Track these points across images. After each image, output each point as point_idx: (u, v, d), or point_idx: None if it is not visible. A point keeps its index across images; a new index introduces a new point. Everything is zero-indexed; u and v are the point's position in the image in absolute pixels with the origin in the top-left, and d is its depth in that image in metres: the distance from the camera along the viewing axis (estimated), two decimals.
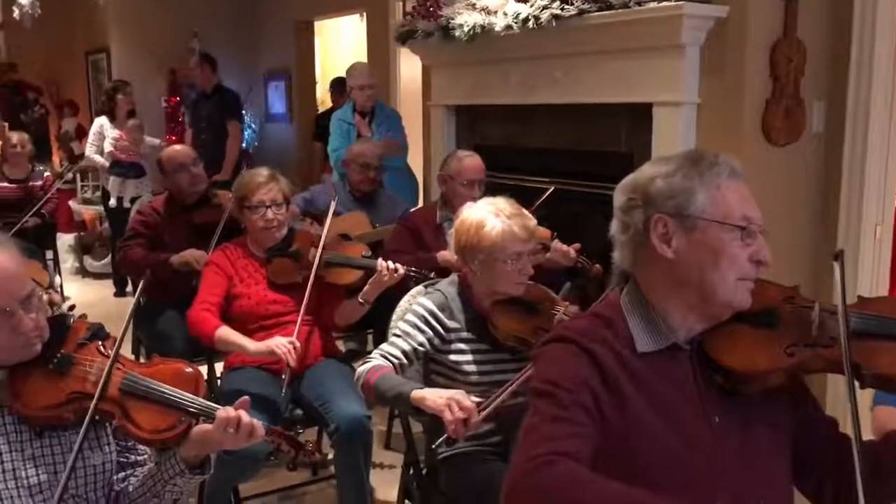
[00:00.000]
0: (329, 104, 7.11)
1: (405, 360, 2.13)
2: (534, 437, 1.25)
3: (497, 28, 3.63)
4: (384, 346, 2.18)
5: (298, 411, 2.72)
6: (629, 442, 1.28)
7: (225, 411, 1.61)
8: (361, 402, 2.59)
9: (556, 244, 2.94)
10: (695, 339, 1.37)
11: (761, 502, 1.32)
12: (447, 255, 3.33)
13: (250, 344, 2.64)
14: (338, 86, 6.74)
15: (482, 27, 3.71)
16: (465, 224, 2.20)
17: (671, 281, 1.34)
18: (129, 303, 5.36)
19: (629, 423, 1.28)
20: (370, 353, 2.21)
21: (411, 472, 2.30)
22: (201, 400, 1.65)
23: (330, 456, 2.72)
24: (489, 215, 2.16)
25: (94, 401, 1.53)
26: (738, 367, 1.33)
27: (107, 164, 6.04)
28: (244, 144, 7.82)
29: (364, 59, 6.40)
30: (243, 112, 6.64)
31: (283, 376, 2.58)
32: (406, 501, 2.37)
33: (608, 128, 3.57)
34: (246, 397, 1.68)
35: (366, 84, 4.83)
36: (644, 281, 1.39)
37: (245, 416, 1.62)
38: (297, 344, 2.59)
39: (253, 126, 8.00)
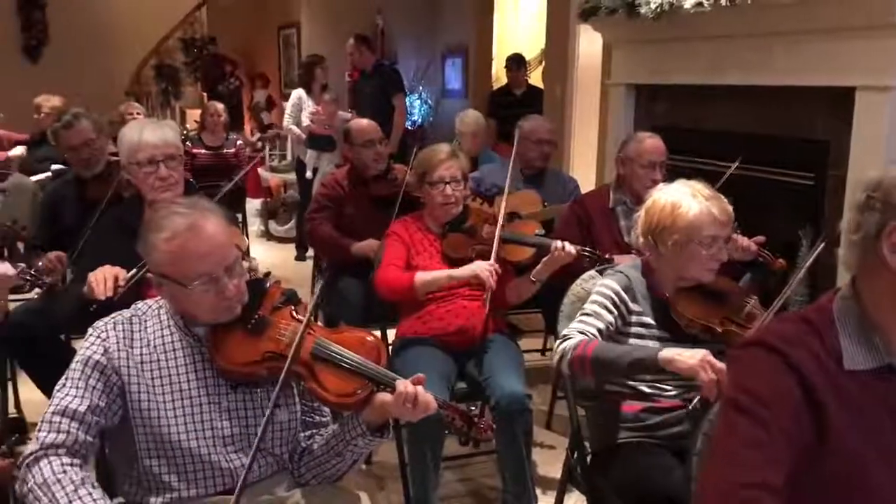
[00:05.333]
0: (504, 81, 7.13)
1: (600, 338, 2.08)
2: (733, 462, 1.18)
3: (686, 5, 3.50)
4: (576, 325, 2.13)
5: (463, 384, 2.77)
6: (826, 467, 1.19)
7: (403, 384, 1.67)
8: (523, 380, 2.61)
9: (737, 237, 2.69)
10: None
11: None
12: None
13: (454, 271, 2.73)
14: (514, 63, 6.74)
15: (670, 4, 3.59)
16: (657, 204, 2.12)
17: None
18: (309, 266, 5.60)
19: (829, 446, 1.19)
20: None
21: (575, 456, 2.29)
22: (383, 370, 1.71)
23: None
24: (685, 196, 2.08)
25: (289, 361, 1.63)
26: None
27: (303, 135, 6.33)
28: (419, 119, 8.00)
29: (542, 34, 6.35)
30: (404, 83, 6.73)
31: (486, 297, 2.67)
32: (569, 485, 2.36)
33: (802, 113, 3.36)
34: (422, 374, 1.73)
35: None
36: (865, 290, 1.27)
37: (421, 392, 1.68)
38: (498, 267, 2.67)
39: (429, 102, 8.16)
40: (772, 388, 1.21)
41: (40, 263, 2.90)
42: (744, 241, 2.72)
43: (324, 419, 1.87)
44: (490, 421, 1.85)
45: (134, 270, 2.26)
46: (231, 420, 1.69)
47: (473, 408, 1.84)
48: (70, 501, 1.50)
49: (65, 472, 1.54)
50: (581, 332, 2.08)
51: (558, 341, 2.13)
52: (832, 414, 1.19)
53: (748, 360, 1.27)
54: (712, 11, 3.41)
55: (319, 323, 2.96)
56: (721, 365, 1.79)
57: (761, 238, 2.77)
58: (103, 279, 2.21)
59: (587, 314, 2.14)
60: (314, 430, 1.84)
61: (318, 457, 1.78)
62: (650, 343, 2.11)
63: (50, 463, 1.54)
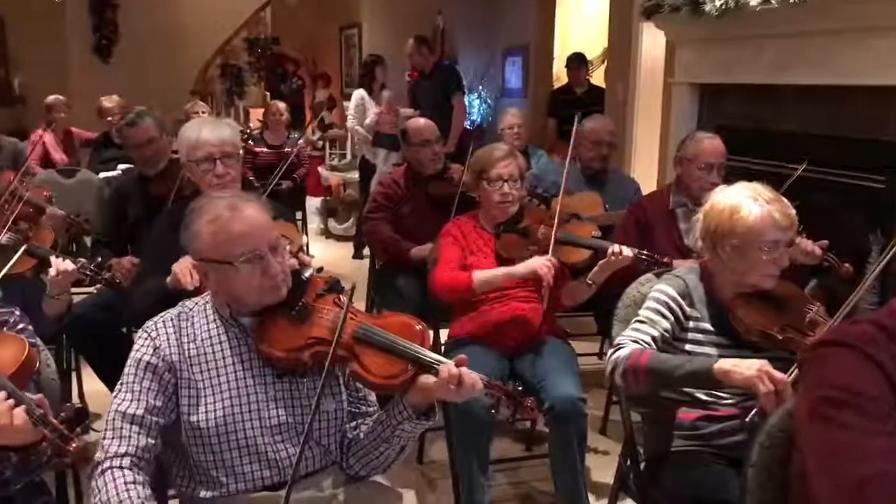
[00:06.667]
0: (565, 80, 7.06)
1: (654, 347, 2.03)
2: (858, 454, 1.11)
3: (752, 3, 3.41)
4: (629, 332, 2.09)
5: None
6: None
7: (447, 365, 1.66)
8: (578, 383, 2.58)
9: (801, 240, 2.62)
10: None
11: None
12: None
13: (514, 269, 2.72)
14: (575, 62, 6.67)
15: (736, 1, 3.50)
16: (716, 207, 2.06)
17: None
18: (366, 265, 5.65)
19: None
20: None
21: (629, 463, 2.24)
22: (427, 351, 1.71)
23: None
24: (746, 199, 2.01)
25: (334, 343, 1.64)
26: None
27: (369, 136, 6.36)
28: (478, 119, 7.98)
29: (604, 32, 6.27)
30: (463, 82, 6.70)
31: (543, 293, 2.66)
32: (621, 493, 2.32)
33: (872, 113, 3.24)
34: (464, 356, 1.72)
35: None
36: None
37: (466, 371, 1.67)
38: (556, 262, 2.65)
39: (489, 101, 8.13)
40: (862, 380, 1.15)
41: (112, 269, 2.96)
42: (808, 244, 2.64)
43: (370, 409, 1.88)
44: (535, 402, 1.83)
45: None
46: (278, 408, 1.71)
47: (520, 387, 1.82)
48: None
49: (128, 491, 1.57)
50: (634, 341, 2.03)
51: (611, 350, 2.08)
52: None
53: (827, 359, 1.21)
54: (779, 8, 3.31)
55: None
56: (780, 376, 1.72)
57: (825, 242, 2.68)
58: (188, 270, 2.28)
59: (641, 321, 2.09)
60: (360, 421, 1.85)
61: (366, 445, 1.79)
62: (708, 350, 2.05)
63: (115, 479, 1.58)
